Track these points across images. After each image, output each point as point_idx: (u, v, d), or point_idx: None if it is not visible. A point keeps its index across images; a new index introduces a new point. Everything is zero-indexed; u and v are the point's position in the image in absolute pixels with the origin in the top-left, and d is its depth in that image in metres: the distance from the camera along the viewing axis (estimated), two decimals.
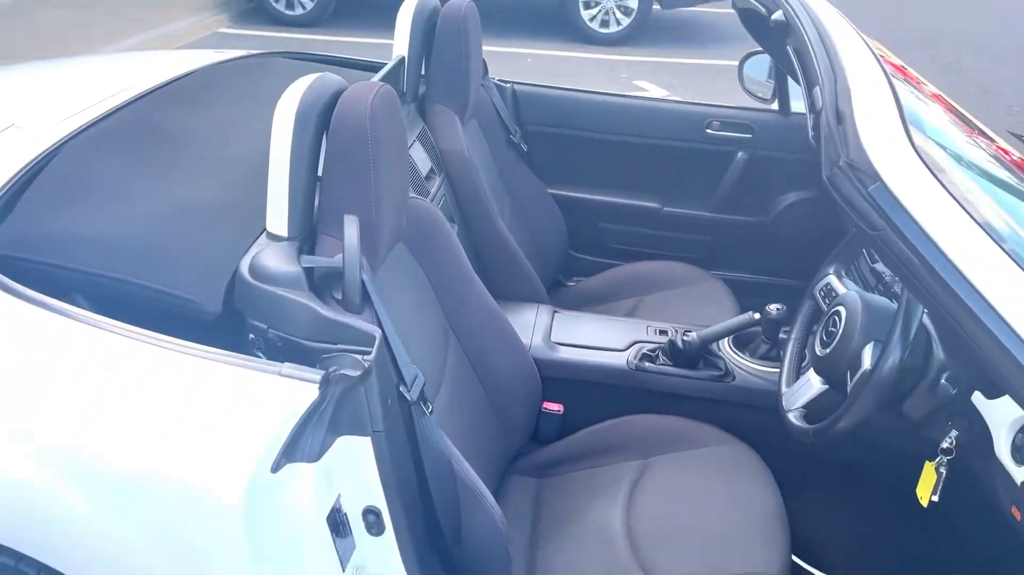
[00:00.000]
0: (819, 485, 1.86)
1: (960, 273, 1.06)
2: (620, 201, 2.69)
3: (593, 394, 1.93)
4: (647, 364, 1.92)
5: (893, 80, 1.22)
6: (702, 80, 6.30)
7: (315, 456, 1.16)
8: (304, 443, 1.15)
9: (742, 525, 1.61)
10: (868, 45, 1.32)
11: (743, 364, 1.91)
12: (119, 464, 1.12)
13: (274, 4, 7.66)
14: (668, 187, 2.67)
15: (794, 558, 1.80)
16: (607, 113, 2.61)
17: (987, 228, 1.09)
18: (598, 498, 1.72)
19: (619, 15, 7.37)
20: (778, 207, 2.58)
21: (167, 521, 1.14)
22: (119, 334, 1.19)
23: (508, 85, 2.58)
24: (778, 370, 1.75)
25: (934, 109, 1.58)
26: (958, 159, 1.37)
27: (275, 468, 1.12)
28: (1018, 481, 1.23)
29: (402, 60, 1.99)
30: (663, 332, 2.00)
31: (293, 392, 1.14)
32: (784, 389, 1.64)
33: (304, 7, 7.67)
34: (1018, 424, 1.27)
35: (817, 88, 1.22)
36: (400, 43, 2.00)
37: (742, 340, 1.98)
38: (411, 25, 2.00)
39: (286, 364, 1.17)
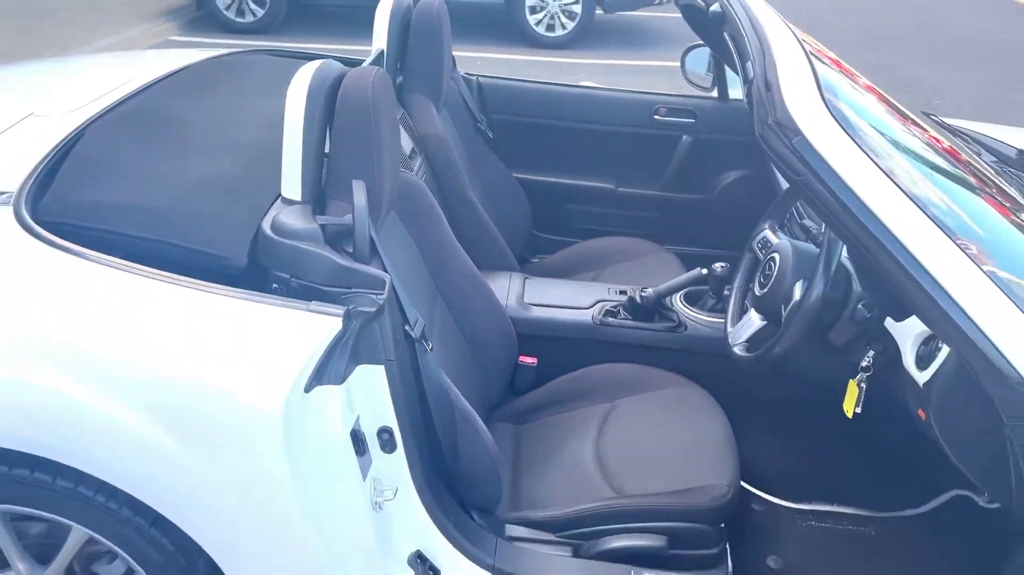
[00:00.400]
0: (762, 419, 2.11)
1: (867, 208, 1.31)
2: (578, 183, 2.93)
3: (563, 347, 2.16)
4: (610, 319, 2.17)
5: (811, 56, 1.47)
6: (644, 80, 6.61)
7: (340, 379, 1.36)
8: (331, 368, 1.35)
9: (697, 450, 1.86)
10: (790, 28, 1.57)
11: (694, 316, 2.16)
12: (182, 388, 1.32)
13: (224, 12, 7.73)
14: (621, 169, 2.92)
15: (743, 483, 2.06)
16: (565, 103, 2.85)
17: (889, 173, 1.34)
18: (571, 436, 1.95)
19: (564, 19, 7.65)
20: (720, 184, 2.85)
21: (220, 435, 1.33)
22: (172, 283, 1.38)
23: (474, 78, 2.80)
24: (724, 320, 2.00)
25: (856, 88, 1.85)
26: (870, 122, 1.63)
27: (307, 389, 1.33)
28: (921, 383, 1.50)
29: (382, 53, 2.20)
30: (623, 292, 2.25)
31: (320, 326, 1.34)
32: (730, 328, 1.89)
33: (255, 15, 7.76)
34: (921, 338, 1.54)
35: (749, 63, 1.46)
36: (379, 38, 2.21)
37: (692, 296, 2.23)
38: (388, 22, 2.21)
39: (313, 302, 1.38)
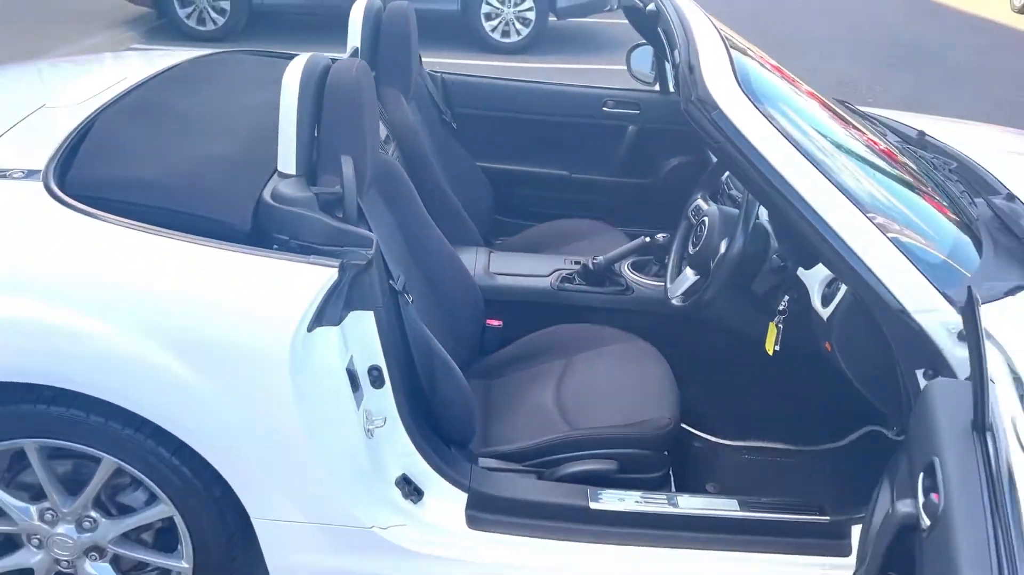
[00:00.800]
0: (700, 368, 2.38)
1: (775, 170, 1.59)
2: (536, 170, 3.20)
3: (525, 311, 2.42)
4: (566, 285, 2.43)
5: (728, 45, 1.76)
6: (595, 82, 6.90)
7: (337, 321, 1.60)
8: (329, 311, 1.59)
9: (642, 391, 2.12)
10: (711, 22, 1.86)
11: (640, 281, 2.44)
12: (202, 329, 1.55)
13: (185, 20, 7.87)
14: (575, 157, 3.19)
15: (684, 425, 2.33)
16: (523, 97, 3.12)
17: (793, 141, 1.62)
18: (534, 386, 2.20)
19: (519, 25, 7.94)
20: (664, 169, 3.14)
21: (236, 369, 1.56)
22: (190, 242, 1.61)
23: (439, 75, 3.06)
24: (665, 282, 2.28)
25: (771, 72, 2.14)
26: (782, 100, 1.92)
27: (310, 328, 1.57)
28: (825, 318, 1.79)
29: (356, 51, 2.44)
30: (577, 262, 2.51)
31: (319, 275, 1.58)
32: (669, 285, 2.17)
33: (215, 23, 7.91)
34: (825, 281, 1.84)
35: (677, 51, 1.74)
36: (353, 37, 2.46)
37: (639, 265, 2.51)
38: (362, 23, 2.46)
39: (312, 256, 1.62)
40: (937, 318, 1.53)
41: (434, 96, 2.93)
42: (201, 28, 7.89)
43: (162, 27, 8.14)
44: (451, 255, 2.24)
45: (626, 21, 2.83)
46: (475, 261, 2.50)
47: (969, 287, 1.28)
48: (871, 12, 10.79)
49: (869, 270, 1.56)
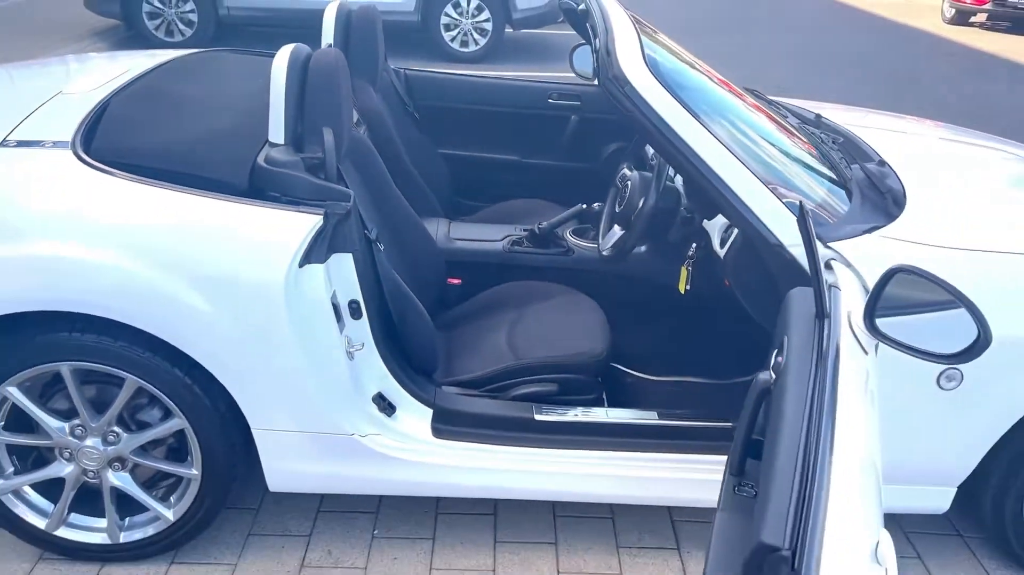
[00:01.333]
0: (630, 316, 2.76)
1: (676, 133, 1.98)
2: (490, 156, 3.58)
3: (481, 271, 2.79)
4: (516, 248, 2.81)
5: (640, 33, 2.15)
6: None
7: (323, 259, 1.96)
8: (316, 251, 1.94)
9: (580, 331, 2.49)
10: (628, 15, 2.25)
11: (579, 244, 2.83)
12: (213, 265, 1.89)
13: (154, 32, 8.16)
14: (525, 144, 3.58)
15: (615, 364, 2.71)
16: (479, 90, 3.51)
17: (688, 108, 2.01)
18: (489, 331, 2.57)
19: (476, 35, 8.36)
20: (603, 155, 3.54)
21: (241, 298, 1.91)
22: (199, 195, 1.95)
23: (402, 70, 3.43)
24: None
25: (681, 59, 2.54)
26: (687, 80, 2.31)
27: (300, 264, 1.92)
28: (722, 256, 2.18)
29: (329, 46, 2.80)
30: (526, 229, 2.89)
31: (307, 221, 1.93)
32: (600, 241, 2.56)
33: (183, 34, 8.21)
34: (723, 228, 2.24)
35: (598, 39, 2.13)
36: (327, 34, 2.82)
37: (579, 231, 2.90)
38: (335, 22, 2.82)
39: (301, 205, 1.97)
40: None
41: (398, 89, 3.30)
42: (169, 39, 8.18)
43: (131, 38, 8.41)
44: (416, 220, 2.60)
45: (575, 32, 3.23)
46: (437, 229, 2.87)
47: (800, 203, 1.67)
48: (812, 26, 11.41)
49: (753, 214, 1.95)
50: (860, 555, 1.18)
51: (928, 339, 1.56)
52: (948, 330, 1.53)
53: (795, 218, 1.94)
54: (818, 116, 2.96)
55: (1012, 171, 2.75)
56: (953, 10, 11.77)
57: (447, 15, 8.23)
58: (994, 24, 11.82)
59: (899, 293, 1.58)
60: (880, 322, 1.60)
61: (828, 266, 1.93)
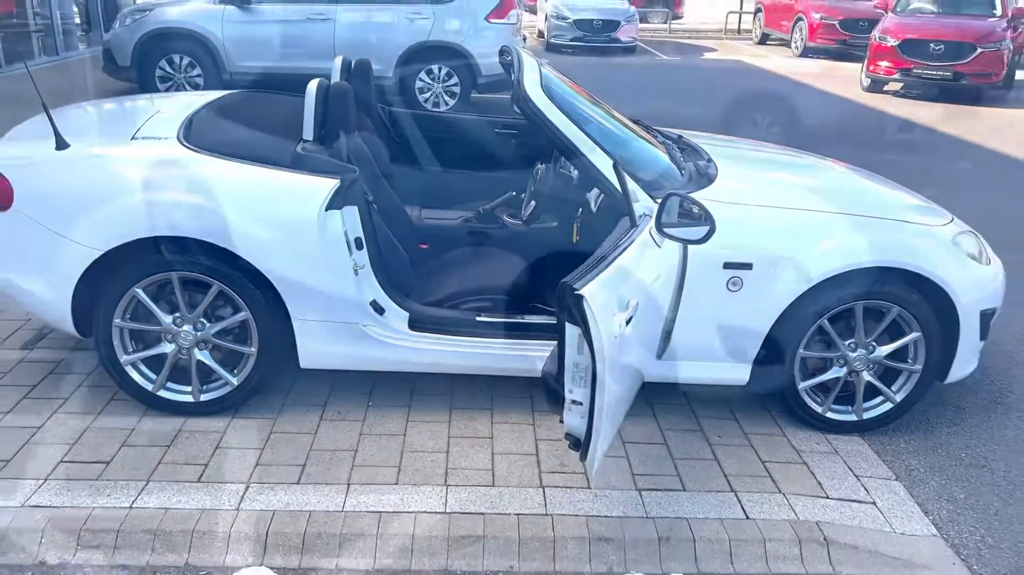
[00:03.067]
0: (547, 268, 3.93)
1: (561, 132, 3.20)
2: (452, 168, 4.80)
3: (443, 239, 3.99)
4: (467, 223, 4.02)
5: (542, 70, 3.39)
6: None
7: (341, 206, 3.13)
8: (336, 201, 3.12)
9: (505, 275, 3.67)
10: (535, 60, 3.49)
11: (511, 221, 4.04)
12: (273, 210, 3.06)
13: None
14: (482, 164, 4.80)
15: (536, 303, 3.88)
16: (447, 123, 4.74)
17: (570, 116, 3.23)
18: (449, 277, 3.74)
19: (447, 97, 9.70)
20: (531, 165, 4.77)
21: (291, 230, 3.07)
22: (271, 168, 3.13)
23: (385, 107, 4.67)
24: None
25: (574, 90, 3.77)
26: (573, 100, 3.53)
27: (327, 208, 3.10)
28: (595, 212, 3.39)
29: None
30: (474, 210, 4.09)
31: (330, 183, 3.11)
32: (523, 217, 3.77)
33: None
34: (597, 196, 3.45)
35: (514, 75, 3.36)
36: (335, 77, 4.05)
37: (512, 214, 4.11)
38: (341, 72, 4.06)
39: (325, 175, 3.15)
40: (644, 205, 3.12)
41: (384, 121, 4.53)
42: None
43: None
44: (397, 203, 3.80)
45: None
46: (412, 212, 4.07)
47: (614, 161, 2.89)
48: (735, 89, 12.96)
49: (612, 184, 3.17)
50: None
51: (687, 234, 2.77)
52: (687, 228, 2.76)
53: (632, 182, 3.16)
54: (680, 137, 4.22)
55: (814, 169, 4.03)
56: (869, 79, 13.37)
57: (421, 80, 9.58)
58: (906, 91, 13.41)
59: (675, 209, 2.80)
60: (665, 229, 2.80)
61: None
